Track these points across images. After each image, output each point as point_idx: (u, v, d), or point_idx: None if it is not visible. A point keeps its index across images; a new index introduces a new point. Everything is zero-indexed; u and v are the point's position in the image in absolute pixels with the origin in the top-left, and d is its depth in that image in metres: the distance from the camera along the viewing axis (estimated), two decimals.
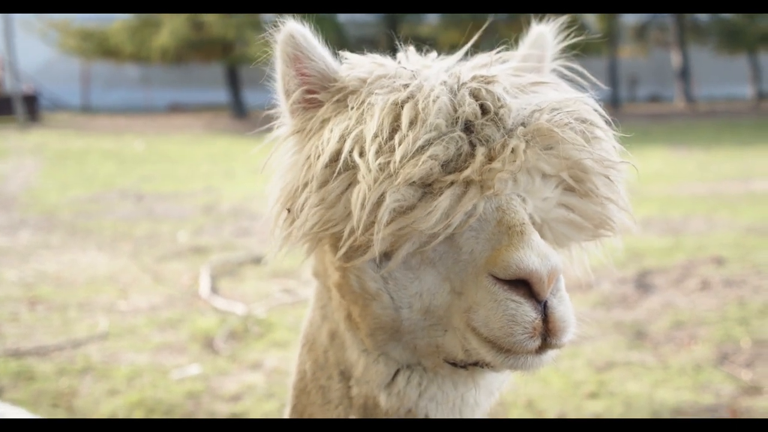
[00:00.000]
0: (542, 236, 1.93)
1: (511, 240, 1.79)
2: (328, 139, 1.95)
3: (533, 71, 2.22)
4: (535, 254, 1.75)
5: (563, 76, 2.30)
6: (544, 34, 2.32)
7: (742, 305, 8.57)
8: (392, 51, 2.27)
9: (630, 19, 58.35)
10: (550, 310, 1.79)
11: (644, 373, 6.78)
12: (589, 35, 2.41)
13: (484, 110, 1.90)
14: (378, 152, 1.85)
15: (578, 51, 2.36)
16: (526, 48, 2.31)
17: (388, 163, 1.83)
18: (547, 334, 1.79)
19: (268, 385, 6.58)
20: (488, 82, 1.95)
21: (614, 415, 5.95)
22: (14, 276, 10.30)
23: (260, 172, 2.15)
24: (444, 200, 1.81)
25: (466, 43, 2.26)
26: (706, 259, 10.64)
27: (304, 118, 2.11)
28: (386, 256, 1.91)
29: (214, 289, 9.56)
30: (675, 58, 55.88)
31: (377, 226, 1.82)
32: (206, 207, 16.00)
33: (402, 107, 1.90)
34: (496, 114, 1.89)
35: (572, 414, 6.00)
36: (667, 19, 56.78)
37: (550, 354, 1.85)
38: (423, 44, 2.35)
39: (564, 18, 2.34)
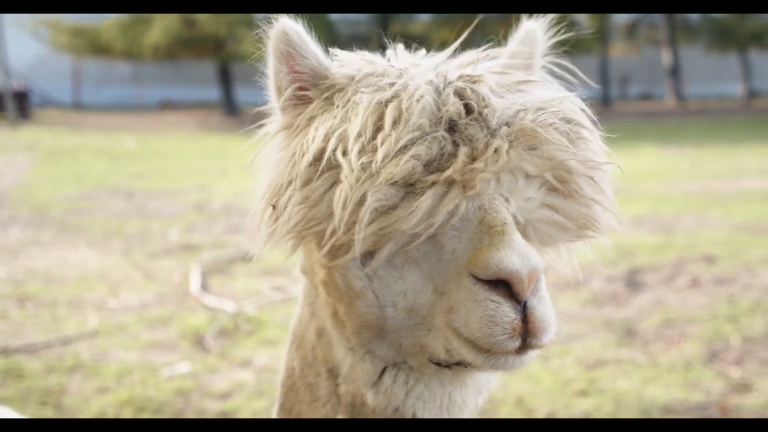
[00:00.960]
0: (526, 237, 1.93)
1: (492, 240, 1.78)
2: (313, 138, 1.94)
3: (522, 68, 2.21)
4: (516, 254, 1.75)
5: (553, 74, 2.30)
6: (534, 30, 2.30)
7: (732, 303, 8.59)
8: (383, 49, 2.26)
9: (621, 18, 58.47)
10: (530, 311, 1.79)
11: (634, 370, 6.79)
12: (579, 32, 2.40)
13: (469, 110, 1.89)
14: (361, 152, 1.84)
15: (569, 49, 2.35)
16: (516, 44, 2.29)
17: (371, 162, 1.82)
18: (527, 335, 1.79)
19: (258, 382, 6.57)
20: (474, 82, 1.95)
21: (604, 413, 5.96)
22: (3, 273, 10.26)
23: (248, 167, 2.14)
24: (426, 200, 1.81)
25: (456, 40, 2.25)
26: (697, 256, 10.67)
27: (294, 115, 2.10)
28: (370, 254, 1.91)
29: (205, 287, 9.55)
30: (666, 57, 56.05)
31: (358, 226, 1.82)
32: (197, 204, 15.97)
33: (386, 106, 1.89)
34: (480, 114, 1.89)
35: (562, 412, 6.00)
36: (658, 17, 56.92)
37: (531, 354, 1.86)
38: (414, 42, 2.34)
39: (555, 15, 2.32)
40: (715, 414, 5.92)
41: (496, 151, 1.83)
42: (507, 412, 5.99)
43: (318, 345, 2.23)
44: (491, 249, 1.76)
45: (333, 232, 1.87)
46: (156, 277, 10.11)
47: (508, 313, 1.76)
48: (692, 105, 53.11)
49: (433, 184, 1.82)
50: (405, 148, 1.83)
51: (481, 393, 2.20)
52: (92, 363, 7.04)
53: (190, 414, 6.01)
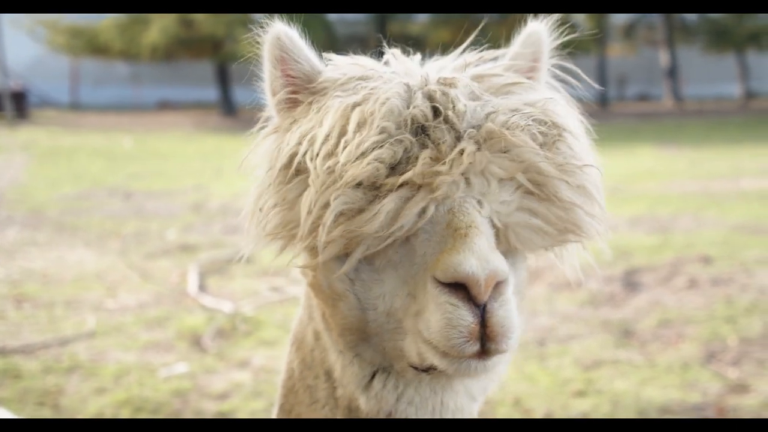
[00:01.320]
0: (507, 241, 1.92)
1: (455, 243, 1.77)
2: (288, 141, 1.96)
3: (525, 71, 2.20)
4: (475, 258, 1.73)
5: (555, 76, 2.28)
6: (538, 31, 2.27)
7: (729, 303, 8.59)
8: (380, 50, 2.26)
9: (618, 18, 58.45)
10: (489, 314, 1.76)
11: (631, 371, 6.80)
12: (582, 33, 2.38)
13: (436, 113, 1.89)
14: (327, 155, 1.86)
15: (570, 50, 2.33)
16: (518, 46, 2.26)
17: (335, 165, 1.83)
18: (486, 339, 1.77)
19: (255, 383, 6.57)
20: (447, 84, 1.95)
21: (601, 413, 5.96)
22: (0, 273, 10.26)
23: (239, 169, 2.16)
24: (389, 203, 1.81)
25: (455, 41, 2.25)
26: (694, 257, 10.67)
27: (284, 118, 2.12)
28: (348, 257, 1.91)
29: (202, 287, 9.55)
30: (663, 57, 56.06)
31: (321, 229, 1.83)
32: (195, 205, 15.97)
33: (352, 110, 1.90)
34: (447, 117, 1.88)
35: (559, 412, 6.01)
36: (656, 18, 56.94)
37: (495, 360, 1.83)
38: (412, 43, 2.34)
39: (556, 16, 2.30)
40: (712, 415, 5.93)
41: (460, 153, 1.82)
42: (504, 412, 5.99)
43: (316, 347, 2.23)
44: (452, 252, 1.76)
45: (303, 236, 1.88)
46: (153, 278, 10.11)
47: (465, 316, 1.75)
48: (690, 105, 53.13)
49: (398, 186, 1.82)
50: (368, 151, 1.83)
51: (475, 399, 2.17)
52: (90, 363, 7.03)
53: (188, 414, 6.01)
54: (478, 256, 1.74)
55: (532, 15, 2.31)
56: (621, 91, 59.81)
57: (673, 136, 31.92)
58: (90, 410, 6.05)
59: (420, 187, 1.82)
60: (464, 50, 2.22)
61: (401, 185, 1.82)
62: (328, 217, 1.81)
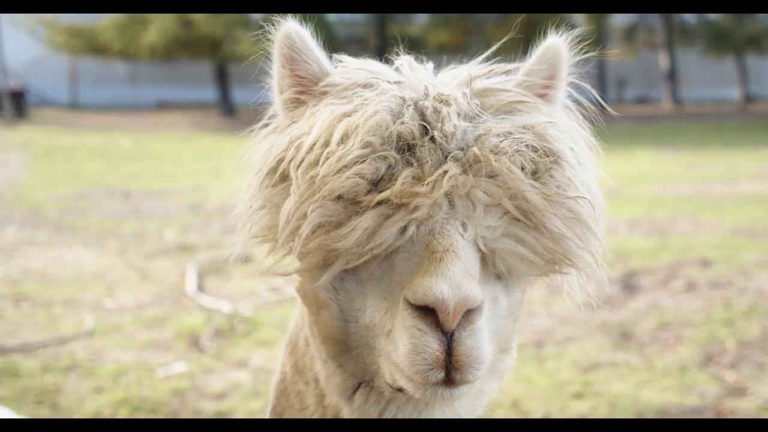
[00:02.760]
0: (494, 267, 1.87)
1: (429, 266, 1.72)
2: (278, 145, 1.95)
3: (538, 87, 2.14)
4: (447, 283, 1.67)
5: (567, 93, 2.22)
6: (557, 47, 2.18)
7: (727, 306, 8.60)
8: (380, 52, 2.24)
9: (618, 21, 58.45)
10: (456, 343, 1.71)
11: (629, 373, 6.80)
12: (583, 39, 2.33)
13: (425, 131, 1.85)
14: (310, 165, 1.83)
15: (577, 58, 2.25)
16: (535, 61, 2.17)
17: (317, 177, 1.81)
18: (451, 368, 1.72)
19: (253, 383, 6.57)
20: (442, 101, 1.90)
21: (599, 415, 5.96)
22: None
23: (237, 167, 2.14)
24: (366, 220, 1.77)
25: (454, 43, 2.22)
26: (692, 260, 10.68)
27: (286, 118, 2.10)
28: (329, 268, 1.88)
29: (201, 287, 9.55)
30: (663, 60, 56.04)
31: (297, 240, 1.81)
32: (193, 205, 15.96)
33: (339, 121, 1.87)
34: (433, 137, 1.84)
35: (557, 414, 6.01)
36: (655, 21, 56.94)
37: (464, 389, 1.77)
38: (411, 45, 2.31)
39: (576, 31, 2.19)
40: (709, 417, 5.93)
41: (442, 175, 1.78)
42: (502, 414, 6.00)
43: (307, 353, 2.21)
44: (425, 275, 1.70)
45: (280, 244, 1.87)
46: (152, 278, 10.10)
47: (430, 343, 1.70)
48: (689, 108, 53.14)
49: (377, 204, 1.78)
50: (349, 165, 1.79)
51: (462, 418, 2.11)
52: (88, 363, 7.03)
53: (186, 414, 6.01)
54: (451, 282, 1.68)
55: (533, 16, 2.27)
56: (620, 93, 59.79)
57: (672, 139, 31.92)
58: (88, 409, 6.05)
59: (399, 206, 1.78)
60: (484, 60, 2.16)
61: (380, 202, 1.78)
62: (305, 228, 1.79)
